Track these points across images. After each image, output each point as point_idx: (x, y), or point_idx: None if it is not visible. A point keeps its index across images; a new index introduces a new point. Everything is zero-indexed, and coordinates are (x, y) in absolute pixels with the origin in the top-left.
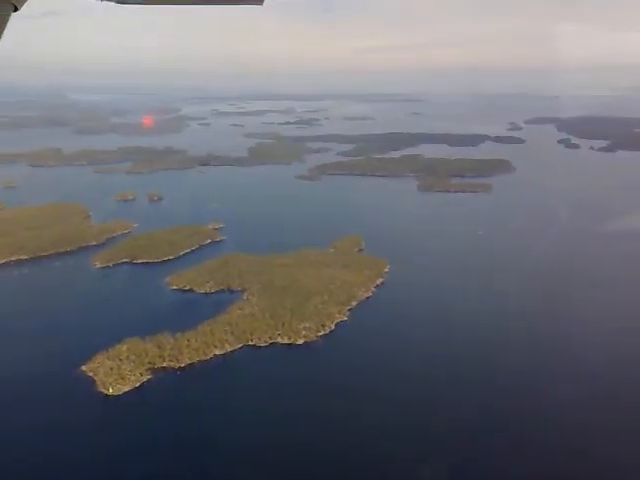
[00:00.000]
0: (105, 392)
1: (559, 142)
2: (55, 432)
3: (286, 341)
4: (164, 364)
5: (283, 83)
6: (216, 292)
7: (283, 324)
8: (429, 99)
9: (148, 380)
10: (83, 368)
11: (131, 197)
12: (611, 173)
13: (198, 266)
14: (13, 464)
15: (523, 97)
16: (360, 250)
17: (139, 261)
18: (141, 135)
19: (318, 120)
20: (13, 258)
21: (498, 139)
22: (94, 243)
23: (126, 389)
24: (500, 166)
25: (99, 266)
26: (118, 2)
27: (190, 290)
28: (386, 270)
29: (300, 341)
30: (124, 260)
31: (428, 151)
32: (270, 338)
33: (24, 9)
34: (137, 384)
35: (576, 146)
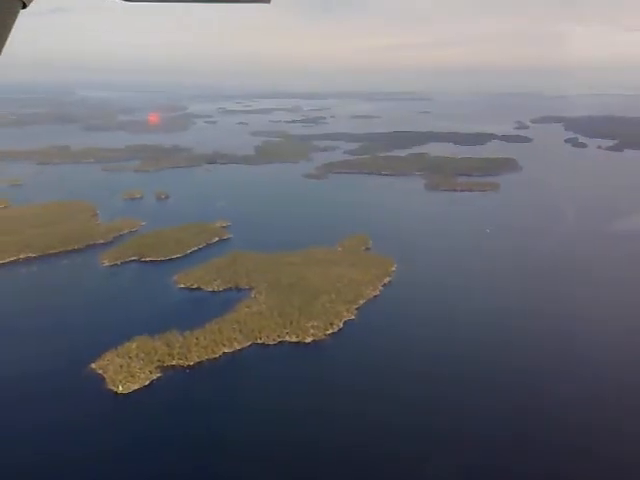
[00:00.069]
0: (115, 390)
1: (566, 141)
2: (65, 430)
3: (294, 340)
4: (173, 362)
5: (288, 81)
6: (224, 290)
7: (291, 322)
8: (434, 98)
9: (157, 378)
10: (93, 366)
11: (138, 195)
12: (618, 172)
13: (206, 264)
14: (23, 462)
15: (529, 96)
16: (367, 249)
17: (147, 259)
18: (148, 133)
19: (324, 118)
20: (21, 256)
21: (505, 138)
22: (101, 241)
23: (136, 387)
24: (507, 165)
25: (107, 264)
26: None
27: (198, 288)
28: (393, 269)
29: (308, 340)
30: (132, 258)
31: (435, 150)
32: (278, 336)
33: (33, 6)
34: (146, 382)
35: (583, 145)
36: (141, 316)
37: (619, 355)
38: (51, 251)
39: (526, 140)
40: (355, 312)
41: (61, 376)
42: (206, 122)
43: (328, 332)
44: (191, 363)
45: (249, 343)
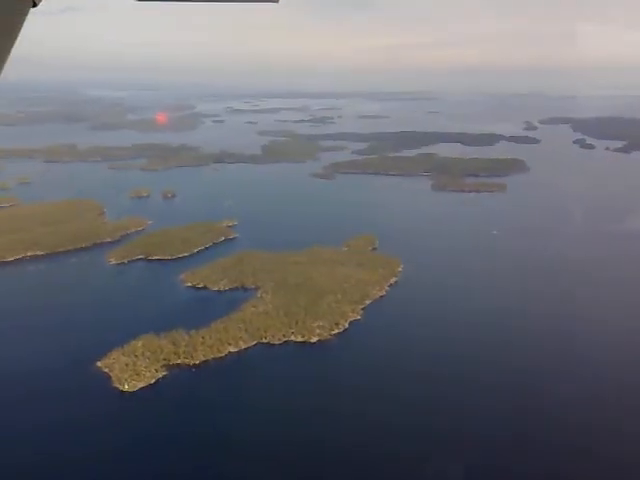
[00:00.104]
0: (120, 388)
1: (574, 142)
2: (71, 428)
3: (300, 339)
4: (179, 361)
5: (296, 81)
6: (230, 289)
7: (297, 322)
8: (441, 98)
9: (163, 377)
10: (99, 364)
11: (145, 194)
12: (627, 174)
13: (212, 263)
14: (29, 459)
15: (534, 97)
16: (374, 249)
17: (153, 258)
18: (156, 132)
19: (332, 118)
20: (28, 254)
21: (512, 139)
22: (109, 240)
23: (141, 385)
24: (514, 166)
25: (114, 263)
26: None
27: (204, 287)
28: (400, 269)
29: (314, 339)
30: (139, 257)
31: (442, 150)
32: (284, 336)
33: (43, 5)
34: (152, 380)
35: (591, 146)
36: (147, 315)
37: (622, 355)
38: (59, 249)
39: (534, 141)
40: (361, 312)
41: (67, 374)
42: (214, 121)
43: (334, 332)
44: (197, 362)
45: (255, 342)
